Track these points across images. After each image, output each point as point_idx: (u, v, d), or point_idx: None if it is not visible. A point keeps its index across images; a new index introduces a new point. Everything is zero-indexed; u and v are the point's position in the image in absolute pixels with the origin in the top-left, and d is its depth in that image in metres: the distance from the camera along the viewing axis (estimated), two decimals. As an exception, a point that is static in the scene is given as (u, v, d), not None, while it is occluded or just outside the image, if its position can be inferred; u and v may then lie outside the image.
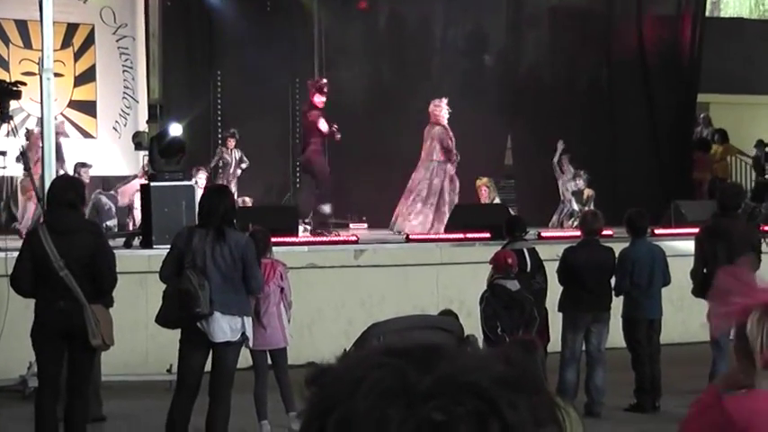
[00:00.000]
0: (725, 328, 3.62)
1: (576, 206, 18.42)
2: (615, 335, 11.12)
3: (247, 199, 18.14)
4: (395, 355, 1.36)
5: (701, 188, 20.13)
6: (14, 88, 13.45)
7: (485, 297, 10.11)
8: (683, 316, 12.06)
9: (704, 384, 10.33)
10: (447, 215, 16.28)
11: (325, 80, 16.71)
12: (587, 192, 18.63)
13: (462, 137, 18.99)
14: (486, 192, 17.82)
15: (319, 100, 15.78)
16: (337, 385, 1.34)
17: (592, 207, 17.64)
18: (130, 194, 17.43)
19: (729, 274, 3.53)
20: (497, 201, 17.90)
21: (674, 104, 21.10)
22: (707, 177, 20.21)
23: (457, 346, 1.45)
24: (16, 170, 16.73)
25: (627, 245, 11.27)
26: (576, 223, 17.42)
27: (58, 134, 16.86)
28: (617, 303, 11.14)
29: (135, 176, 17.65)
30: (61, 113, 18.15)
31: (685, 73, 21.12)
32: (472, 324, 10.01)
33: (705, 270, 10.37)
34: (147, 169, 17.08)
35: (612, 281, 11.09)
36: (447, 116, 16.71)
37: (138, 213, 17.12)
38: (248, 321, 8.63)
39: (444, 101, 16.81)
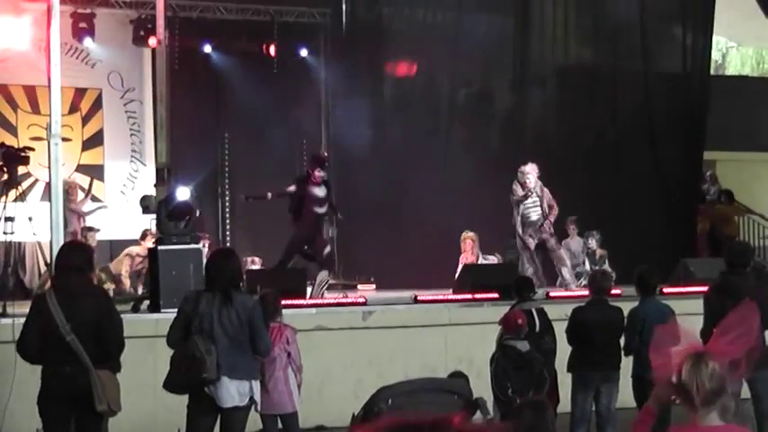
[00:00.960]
0: (666, 377, 4.33)
1: (587, 266, 18.36)
2: (626, 394, 11.02)
3: (256, 259, 18.12)
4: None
5: (701, 238, 20.10)
6: (23, 154, 13.52)
7: (495, 358, 10.06)
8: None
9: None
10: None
11: (325, 154, 16.72)
12: (599, 251, 18.58)
13: (469, 194, 19.06)
14: (471, 246, 17.70)
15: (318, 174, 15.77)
16: None
17: (606, 266, 17.64)
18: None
19: (664, 329, 4.42)
20: (482, 258, 17.72)
21: (681, 162, 21.07)
22: (706, 227, 20.20)
23: (464, 414, 1.41)
24: (24, 236, 16.74)
25: (636, 303, 11.21)
26: (585, 283, 17.43)
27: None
28: (627, 363, 11.06)
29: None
30: (69, 177, 18.22)
31: (691, 130, 21.12)
32: (482, 385, 9.93)
33: (714, 330, 10.27)
34: (148, 234, 17.13)
35: (622, 340, 11.03)
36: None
37: (126, 280, 17.13)
38: (256, 385, 8.58)
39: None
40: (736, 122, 24.97)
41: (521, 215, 16.70)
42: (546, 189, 16.75)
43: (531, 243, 16.59)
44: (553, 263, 16.98)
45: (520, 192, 16.70)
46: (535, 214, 16.65)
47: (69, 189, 17.47)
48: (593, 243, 18.66)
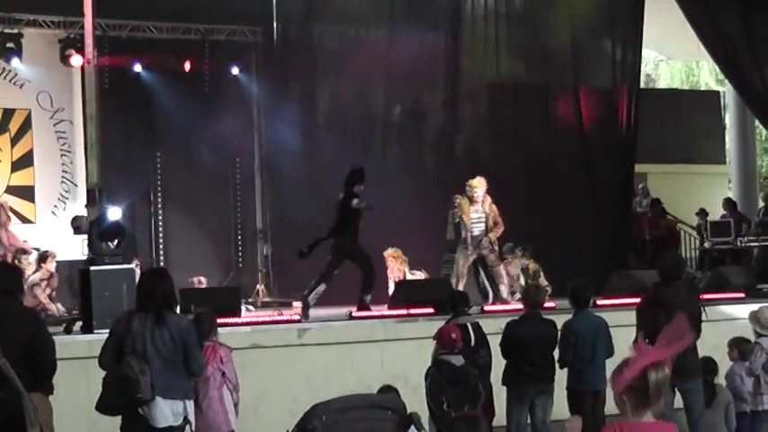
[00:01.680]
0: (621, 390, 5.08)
1: (522, 281, 18.46)
2: (561, 406, 11.10)
3: (203, 279, 18.02)
4: None
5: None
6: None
7: (430, 373, 10.10)
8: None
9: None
10: None
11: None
12: (532, 266, 18.69)
13: (403, 210, 19.12)
14: (393, 263, 17.77)
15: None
16: None
17: (542, 280, 17.78)
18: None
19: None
20: (408, 273, 17.76)
21: (613, 175, 21.28)
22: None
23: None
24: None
25: (570, 316, 11.30)
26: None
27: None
28: (561, 375, 11.15)
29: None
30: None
31: (623, 143, 21.35)
32: (417, 400, 9.97)
33: (647, 341, 10.37)
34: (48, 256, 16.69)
35: (556, 353, 11.11)
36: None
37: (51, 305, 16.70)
38: (190, 405, 8.55)
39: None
40: (669, 135, 25.28)
41: (464, 229, 16.61)
42: (494, 206, 16.71)
43: (470, 258, 16.59)
44: (491, 279, 16.98)
45: (465, 207, 16.57)
46: (477, 229, 16.61)
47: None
48: (524, 260, 18.79)
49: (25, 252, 16.87)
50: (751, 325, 11.13)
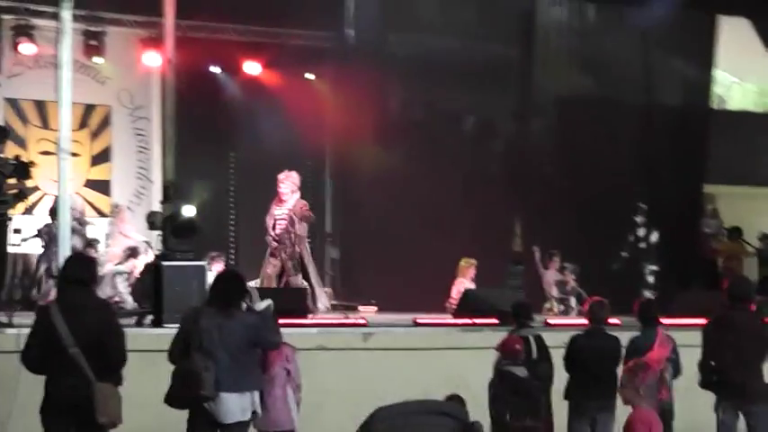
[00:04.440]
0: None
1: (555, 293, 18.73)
2: (623, 422, 10.98)
3: (252, 283, 18.04)
4: None
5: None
6: (29, 167, 13.54)
7: (493, 383, 10.04)
8: (689, 405, 11.85)
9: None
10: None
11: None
12: (572, 284, 18.84)
13: (469, 221, 19.09)
14: (472, 272, 17.76)
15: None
16: None
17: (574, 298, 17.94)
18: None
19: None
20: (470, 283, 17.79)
21: (681, 195, 21.09)
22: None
23: None
24: (31, 247, 16.77)
25: (638, 334, 11.19)
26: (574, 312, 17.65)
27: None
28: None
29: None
30: (77, 193, 18.23)
31: (692, 164, 21.15)
32: (478, 409, 9.91)
33: (713, 362, 10.25)
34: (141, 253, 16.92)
35: (620, 369, 10.99)
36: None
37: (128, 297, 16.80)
38: (257, 396, 8.60)
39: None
40: (738, 157, 24.98)
41: None
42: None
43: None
44: None
45: None
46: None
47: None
48: (569, 276, 18.87)
49: (93, 242, 17.03)
50: None
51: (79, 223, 16.24)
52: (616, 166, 20.76)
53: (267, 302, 9.46)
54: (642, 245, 19.70)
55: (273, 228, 16.36)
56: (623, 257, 19.51)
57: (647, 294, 18.00)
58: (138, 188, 19.81)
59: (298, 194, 16.53)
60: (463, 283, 17.55)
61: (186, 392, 8.30)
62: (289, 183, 16.58)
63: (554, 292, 19.08)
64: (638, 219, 19.74)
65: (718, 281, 18.29)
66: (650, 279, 19.41)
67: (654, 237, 19.68)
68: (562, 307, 18.87)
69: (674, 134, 21.24)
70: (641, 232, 19.71)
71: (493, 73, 20.78)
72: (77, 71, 17.71)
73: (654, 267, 19.59)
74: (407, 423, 7.04)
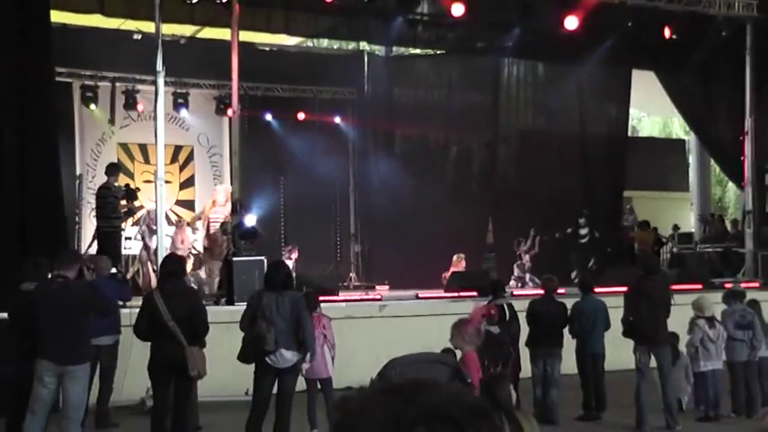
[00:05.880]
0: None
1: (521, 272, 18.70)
2: (571, 364, 10.96)
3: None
4: (389, 393, 1.32)
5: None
6: (136, 192, 13.62)
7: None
8: (616, 349, 11.84)
9: (632, 399, 10.20)
10: None
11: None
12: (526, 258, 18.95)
13: (456, 224, 19.10)
14: (458, 263, 17.76)
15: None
16: (349, 416, 1.32)
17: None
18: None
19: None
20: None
21: (608, 199, 21.07)
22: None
23: (441, 381, 1.39)
24: (137, 250, 16.81)
25: (578, 299, 11.15)
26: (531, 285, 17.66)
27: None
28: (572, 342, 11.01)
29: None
30: (170, 209, 18.26)
31: (615, 176, 21.12)
32: (465, 358, 9.86)
33: (631, 318, 10.25)
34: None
35: (565, 327, 10.97)
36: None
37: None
38: (302, 353, 8.59)
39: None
40: (648, 170, 25.00)
41: None
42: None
43: None
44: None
45: None
46: None
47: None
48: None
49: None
50: (692, 310, 10.89)
51: (149, 229, 16.26)
52: (562, 181, 20.70)
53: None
54: (583, 240, 19.69)
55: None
56: (564, 239, 19.50)
57: (585, 271, 17.93)
58: (214, 205, 19.76)
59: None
60: (455, 269, 17.53)
61: (255, 350, 8.29)
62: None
63: (517, 272, 19.01)
64: (581, 220, 19.73)
65: (635, 259, 18.26)
66: (588, 261, 19.38)
67: (585, 230, 19.68)
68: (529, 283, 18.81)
69: (602, 156, 21.17)
70: (584, 231, 19.69)
71: (470, 114, 20.84)
72: (169, 121, 17.80)
73: (591, 254, 19.60)
74: (413, 369, 7.01)
